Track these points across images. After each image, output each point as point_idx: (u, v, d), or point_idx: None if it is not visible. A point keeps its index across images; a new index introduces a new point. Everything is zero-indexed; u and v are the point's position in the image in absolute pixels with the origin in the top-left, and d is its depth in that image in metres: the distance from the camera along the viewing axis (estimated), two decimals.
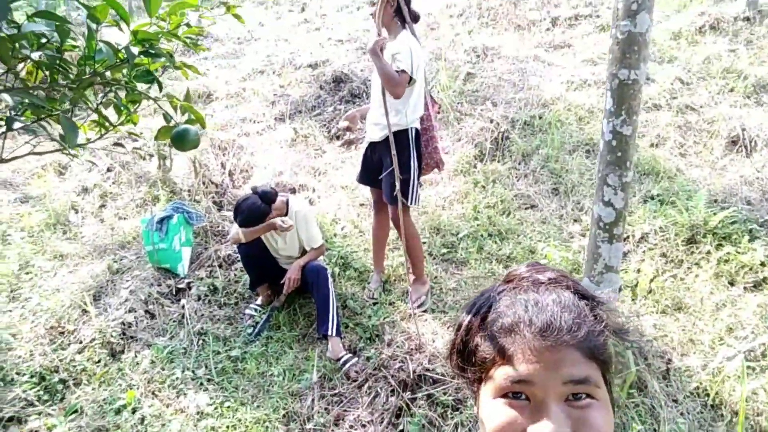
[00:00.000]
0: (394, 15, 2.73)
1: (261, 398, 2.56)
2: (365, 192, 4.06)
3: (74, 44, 1.37)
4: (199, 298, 3.22)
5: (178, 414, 2.46)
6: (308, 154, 4.97)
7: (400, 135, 2.82)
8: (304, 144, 5.13)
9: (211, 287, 3.30)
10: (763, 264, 2.94)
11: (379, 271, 3.31)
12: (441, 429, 2.33)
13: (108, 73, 1.34)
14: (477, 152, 4.51)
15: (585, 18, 6.43)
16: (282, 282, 3.03)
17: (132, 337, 2.91)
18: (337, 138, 5.20)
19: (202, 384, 2.65)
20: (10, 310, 2.99)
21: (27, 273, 3.32)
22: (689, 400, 2.32)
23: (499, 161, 4.42)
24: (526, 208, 3.95)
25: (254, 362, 2.77)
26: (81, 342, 2.81)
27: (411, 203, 2.92)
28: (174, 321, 3.06)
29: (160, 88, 1.46)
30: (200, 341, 2.94)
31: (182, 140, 1.45)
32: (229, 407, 2.51)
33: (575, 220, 3.72)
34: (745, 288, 2.87)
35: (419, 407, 2.41)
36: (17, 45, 1.18)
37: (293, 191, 4.43)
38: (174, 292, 3.27)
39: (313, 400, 2.54)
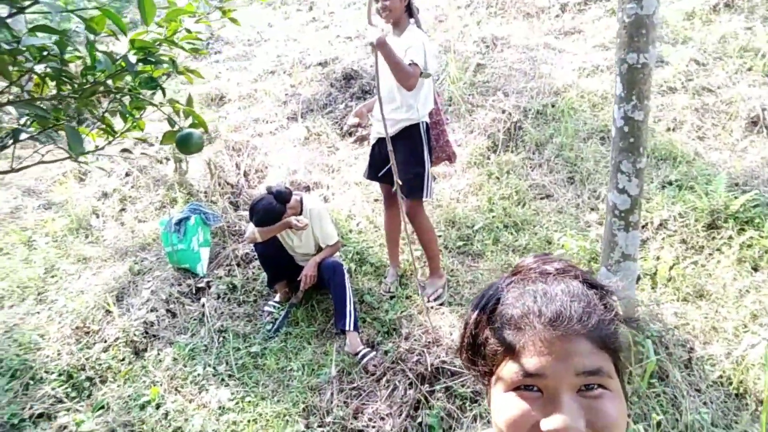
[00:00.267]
0: (405, 9, 2.74)
1: (281, 393, 2.60)
2: (379, 187, 4.08)
3: (79, 55, 1.40)
4: (219, 297, 3.27)
5: (201, 409, 2.51)
6: (321, 151, 5.00)
7: (413, 129, 2.83)
8: (317, 142, 5.16)
9: (230, 285, 3.35)
10: None
11: (395, 266, 3.32)
12: (460, 421, 2.33)
13: (110, 82, 1.37)
14: (490, 143, 4.48)
15: (594, 2, 6.31)
16: (299, 279, 3.06)
17: (154, 336, 2.98)
18: (350, 135, 5.22)
19: (223, 380, 2.70)
20: (38, 312, 3.09)
21: (52, 276, 3.42)
22: (712, 389, 2.28)
23: (512, 152, 4.39)
24: (541, 198, 3.92)
25: (274, 358, 2.81)
26: (105, 341, 2.89)
27: (426, 197, 2.92)
28: (194, 319, 3.12)
29: (164, 94, 1.49)
30: (220, 338, 2.99)
31: (186, 144, 1.49)
32: (249, 402, 2.55)
33: (592, 209, 3.67)
34: None
35: (438, 400, 2.42)
36: (18, 59, 1.22)
37: (307, 189, 4.47)
38: (194, 291, 3.33)
39: (332, 394, 2.57)
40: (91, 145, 1.71)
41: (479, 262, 3.40)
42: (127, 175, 4.52)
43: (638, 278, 2.58)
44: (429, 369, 2.54)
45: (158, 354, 2.86)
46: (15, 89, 1.38)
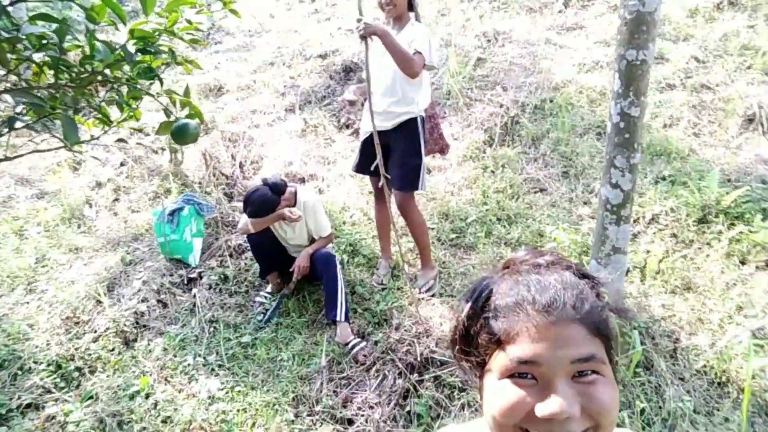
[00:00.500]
0: (409, 2, 2.75)
1: (271, 382, 2.61)
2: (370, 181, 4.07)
3: (78, 44, 1.40)
4: (210, 287, 3.27)
5: (190, 399, 2.52)
6: (318, 144, 4.99)
7: (411, 123, 2.83)
8: (314, 134, 5.15)
9: (222, 276, 3.35)
10: None
11: (386, 258, 3.32)
12: (448, 409, 2.34)
13: (108, 71, 1.37)
14: (486, 137, 4.47)
15: None
16: (291, 270, 3.06)
17: (145, 326, 2.98)
18: (347, 127, 5.21)
19: (213, 370, 2.71)
20: (28, 302, 3.09)
21: (43, 266, 3.42)
22: (696, 378, 2.30)
23: (508, 146, 4.38)
24: (535, 192, 3.91)
25: (264, 348, 2.82)
26: (95, 331, 2.89)
27: (419, 189, 2.93)
28: (186, 310, 3.12)
29: (161, 85, 1.48)
30: (211, 329, 2.99)
31: (182, 134, 1.49)
32: (239, 392, 2.56)
33: (585, 203, 3.67)
34: (757, 267, 2.81)
35: (426, 389, 2.43)
36: (17, 47, 1.21)
37: (303, 181, 4.46)
38: (185, 282, 3.34)
39: (321, 383, 2.58)
40: (86, 135, 1.71)
41: (471, 255, 3.40)
42: (121, 165, 4.51)
43: (627, 271, 2.59)
44: (418, 359, 2.55)
45: (148, 344, 2.86)
46: (12, 77, 1.38)
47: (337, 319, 2.83)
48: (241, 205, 3.82)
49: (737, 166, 3.58)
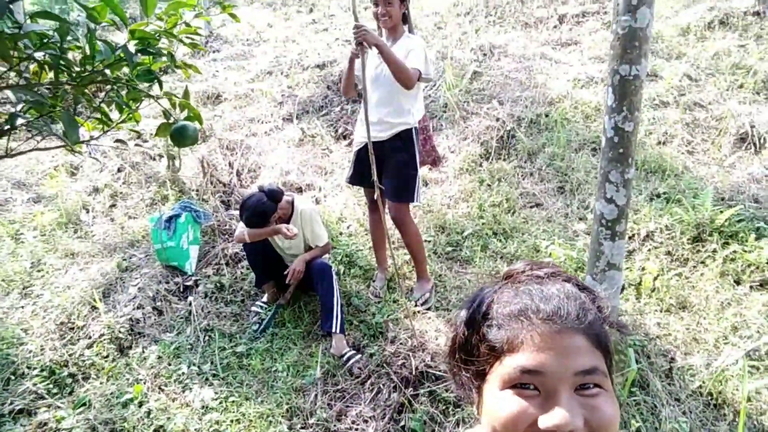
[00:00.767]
0: (403, 14, 2.78)
1: (265, 393, 2.60)
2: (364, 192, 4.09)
3: (78, 45, 1.41)
4: (206, 296, 3.26)
5: (184, 408, 2.50)
6: (315, 153, 5.01)
7: (406, 134, 2.85)
8: (311, 144, 5.17)
9: (218, 285, 3.34)
10: None
11: (382, 270, 3.33)
12: (443, 425, 2.34)
13: (108, 71, 1.38)
14: (483, 151, 4.51)
15: (592, 15, 6.39)
16: (285, 272, 3.05)
17: (140, 333, 2.97)
18: (344, 137, 5.24)
19: (207, 379, 2.69)
20: (22, 307, 3.07)
21: (39, 270, 3.40)
22: (691, 399, 2.31)
23: (504, 160, 4.42)
24: (531, 207, 3.95)
25: (259, 358, 2.81)
26: (90, 337, 2.87)
27: (414, 201, 2.94)
28: (181, 318, 3.11)
29: (161, 87, 1.49)
30: (206, 337, 2.98)
31: (181, 136, 1.49)
32: (233, 402, 2.54)
33: (580, 219, 3.71)
34: (751, 287, 2.84)
35: (421, 404, 2.43)
36: (19, 44, 1.22)
37: (300, 191, 4.47)
38: (181, 290, 3.33)
39: (316, 395, 2.57)
40: (85, 135, 1.71)
41: (467, 268, 3.42)
42: (119, 170, 4.51)
43: (623, 288, 2.61)
44: (413, 373, 2.55)
45: (143, 352, 2.85)
46: (14, 74, 1.39)
47: (333, 330, 2.82)
48: (237, 213, 3.83)
49: (731, 185, 3.63)
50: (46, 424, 2.39)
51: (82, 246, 3.66)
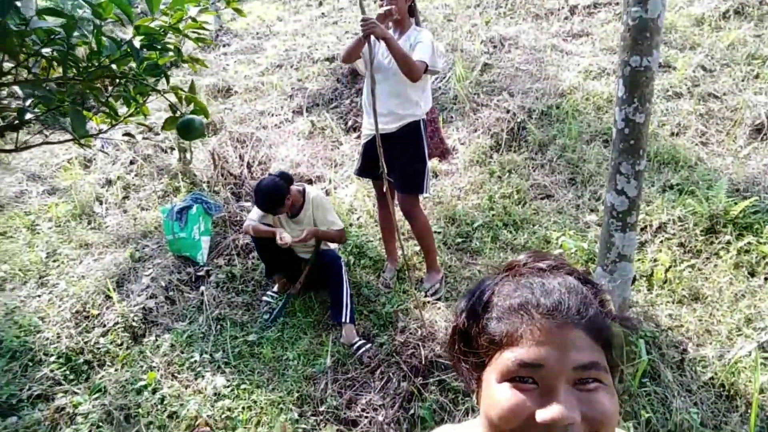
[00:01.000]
0: (410, 7, 2.77)
1: (276, 381, 2.63)
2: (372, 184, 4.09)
3: (85, 41, 1.42)
4: (218, 285, 3.30)
5: (196, 395, 2.54)
6: (325, 145, 5.02)
7: (415, 126, 2.84)
8: (321, 136, 5.18)
9: (230, 275, 3.38)
10: None
11: (392, 260, 3.34)
12: (452, 414, 2.35)
13: (114, 66, 1.40)
14: (493, 143, 4.49)
15: (604, 6, 6.30)
16: (298, 240, 2.98)
17: (153, 322, 3.01)
18: (354, 130, 5.24)
19: (219, 367, 2.73)
20: (39, 296, 3.13)
21: (54, 261, 3.46)
22: (703, 390, 2.29)
23: (515, 151, 4.40)
24: (542, 198, 3.92)
25: (270, 347, 2.84)
26: (105, 326, 2.92)
27: (424, 193, 2.94)
28: (193, 307, 3.15)
29: (167, 81, 1.51)
30: (218, 326, 3.02)
31: (187, 129, 1.51)
32: (245, 389, 2.58)
33: (592, 210, 3.68)
34: (765, 278, 2.80)
35: (430, 393, 2.44)
36: (26, 40, 1.24)
37: (310, 182, 4.49)
38: (193, 280, 3.37)
39: (326, 383, 2.60)
40: (93, 129, 1.73)
41: (477, 259, 3.41)
42: (131, 163, 4.56)
43: (634, 279, 2.59)
44: (423, 362, 2.56)
45: (156, 340, 2.89)
46: (22, 70, 1.41)
47: (343, 320, 2.84)
48: (248, 204, 3.86)
49: (745, 176, 3.58)
50: (63, 408, 2.45)
51: (96, 237, 3.72)
